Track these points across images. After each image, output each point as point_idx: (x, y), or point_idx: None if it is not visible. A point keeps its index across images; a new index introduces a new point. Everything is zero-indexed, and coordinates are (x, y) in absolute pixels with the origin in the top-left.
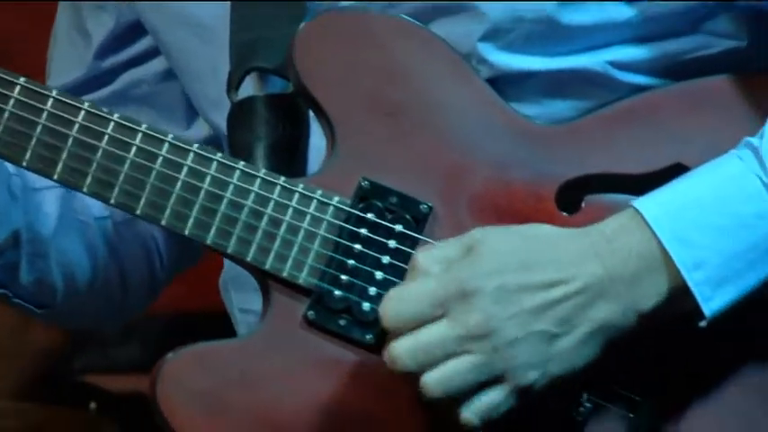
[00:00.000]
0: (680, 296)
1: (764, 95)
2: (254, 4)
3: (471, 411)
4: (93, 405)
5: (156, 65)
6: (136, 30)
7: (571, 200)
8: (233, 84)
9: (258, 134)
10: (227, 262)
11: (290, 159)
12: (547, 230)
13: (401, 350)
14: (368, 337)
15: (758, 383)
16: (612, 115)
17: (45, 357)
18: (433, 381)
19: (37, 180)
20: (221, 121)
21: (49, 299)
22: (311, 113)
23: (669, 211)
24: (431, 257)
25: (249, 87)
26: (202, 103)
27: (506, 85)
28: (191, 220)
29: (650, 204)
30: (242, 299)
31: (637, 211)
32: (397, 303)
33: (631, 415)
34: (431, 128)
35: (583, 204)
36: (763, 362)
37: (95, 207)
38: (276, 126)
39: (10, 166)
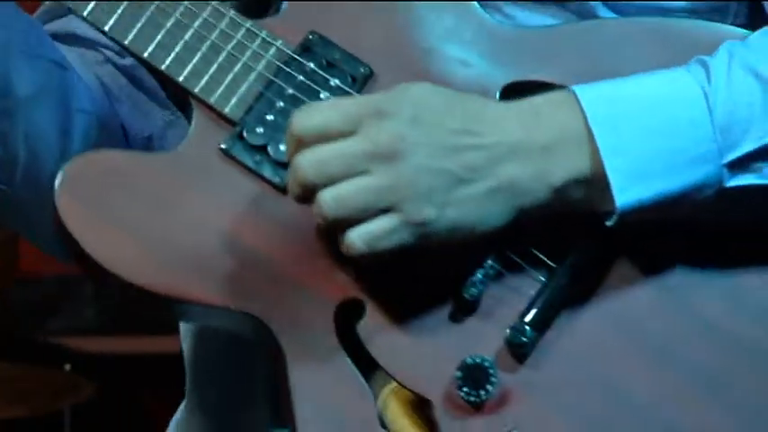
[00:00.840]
0: (595, 182)
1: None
2: None
3: (357, 234)
4: (67, 366)
5: None
6: None
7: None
8: None
9: None
10: None
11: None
12: (478, 96)
13: (303, 160)
14: (277, 179)
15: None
16: (579, 31)
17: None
18: (330, 197)
19: (34, 47)
20: None
21: (7, 173)
22: None
23: (604, 97)
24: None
25: None
26: None
27: None
28: (134, 30)
29: (586, 89)
30: None
31: (572, 92)
32: (307, 112)
33: (532, 291)
34: (393, 8)
35: None
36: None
37: (85, 100)
38: None
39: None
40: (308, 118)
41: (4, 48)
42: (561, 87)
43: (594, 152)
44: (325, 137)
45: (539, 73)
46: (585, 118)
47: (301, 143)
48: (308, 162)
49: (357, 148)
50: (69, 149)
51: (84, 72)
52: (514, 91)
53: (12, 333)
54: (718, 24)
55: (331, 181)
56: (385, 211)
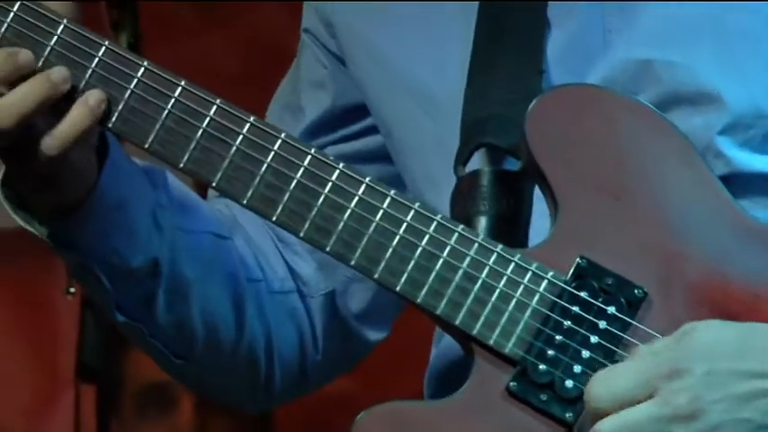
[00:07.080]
0: None
1: None
2: (491, 83)
3: None
4: None
5: (358, 145)
6: (352, 112)
7: None
8: (461, 158)
9: (480, 207)
10: (434, 358)
11: (509, 234)
12: (764, 325)
13: (609, 430)
14: (568, 415)
15: None
16: None
17: None
18: None
19: (192, 223)
20: (436, 201)
21: (186, 348)
22: (536, 192)
23: None
24: (648, 345)
25: (475, 164)
26: (418, 183)
27: (738, 183)
28: (404, 277)
29: None
30: None
31: None
32: (605, 381)
33: None
34: (654, 214)
35: None
36: None
37: (251, 268)
38: (500, 201)
39: (163, 200)
40: (606, 388)
41: (158, 230)
42: None
43: None
44: (623, 404)
45: None
46: None
47: (601, 411)
48: (614, 431)
49: (658, 413)
50: (244, 316)
51: (258, 232)
52: None
53: None
54: None
55: None
56: None
